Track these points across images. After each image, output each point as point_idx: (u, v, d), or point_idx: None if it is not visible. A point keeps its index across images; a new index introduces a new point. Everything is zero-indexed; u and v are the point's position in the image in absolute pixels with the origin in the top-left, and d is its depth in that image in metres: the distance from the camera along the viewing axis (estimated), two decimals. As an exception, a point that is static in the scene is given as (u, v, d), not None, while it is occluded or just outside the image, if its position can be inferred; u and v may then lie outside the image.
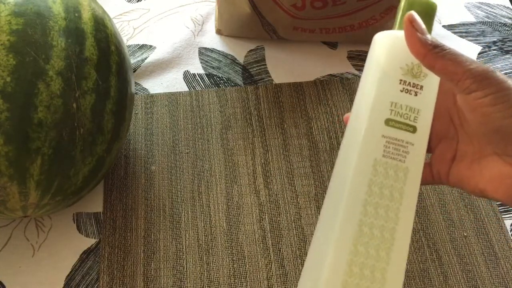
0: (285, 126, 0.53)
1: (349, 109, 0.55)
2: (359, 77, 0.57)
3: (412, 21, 0.28)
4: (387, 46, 0.30)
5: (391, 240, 0.27)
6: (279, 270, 0.44)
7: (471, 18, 0.64)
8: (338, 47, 0.60)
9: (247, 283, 0.43)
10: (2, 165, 0.34)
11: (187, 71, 0.57)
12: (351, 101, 0.55)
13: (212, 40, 0.60)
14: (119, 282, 0.43)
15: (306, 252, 0.45)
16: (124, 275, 0.43)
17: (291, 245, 0.45)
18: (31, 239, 0.45)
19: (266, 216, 0.47)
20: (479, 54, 0.60)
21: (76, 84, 0.37)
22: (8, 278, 0.43)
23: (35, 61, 0.35)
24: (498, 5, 0.65)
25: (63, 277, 0.43)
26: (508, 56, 0.60)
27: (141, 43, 0.59)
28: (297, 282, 0.43)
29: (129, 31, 0.60)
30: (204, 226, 0.46)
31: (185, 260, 0.44)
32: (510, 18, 0.64)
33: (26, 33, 0.35)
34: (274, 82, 0.57)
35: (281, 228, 0.46)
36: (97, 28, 0.40)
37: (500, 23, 0.63)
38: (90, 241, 0.45)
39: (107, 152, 0.40)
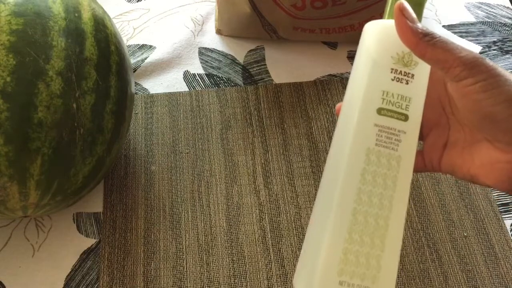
0: (285, 126, 0.53)
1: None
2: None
3: (402, 9, 0.28)
4: (377, 35, 0.30)
5: (385, 227, 0.28)
6: (279, 270, 0.44)
7: (471, 18, 0.64)
8: (338, 47, 0.60)
9: (247, 283, 0.43)
10: (2, 165, 0.34)
11: (187, 71, 0.57)
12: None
13: (212, 40, 0.60)
14: (119, 282, 0.43)
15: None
16: (124, 275, 0.43)
17: (291, 245, 0.45)
18: (31, 239, 0.45)
19: (266, 216, 0.47)
20: (479, 54, 0.60)
21: (76, 84, 0.37)
22: (8, 278, 0.43)
23: (35, 61, 0.35)
24: (498, 5, 0.65)
25: (63, 277, 0.43)
26: (508, 56, 0.60)
27: (141, 43, 0.59)
28: (297, 282, 0.43)
29: (129, 31, 0.60)
30: (204, 226, 0.46)
31: (185, 260, 0.44)
32: (510, 18, 0.64)
33: (26, 33, 0.35)
34: (274, 82, 0.57)
35: (281, 228, 0.46)
36: (97, 28, 0.40)
37: (500, 23, 0.63)
38: (90, 241, 0.45)
39: (107, 152, 0.40)
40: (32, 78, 0.34)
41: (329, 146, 0.51)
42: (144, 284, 0.43)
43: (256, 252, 0.45)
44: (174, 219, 0.46)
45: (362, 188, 0.28)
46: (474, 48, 0.61)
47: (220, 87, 0.56)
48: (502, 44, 0.61)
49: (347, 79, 0.57)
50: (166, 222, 0.46)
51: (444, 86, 0.32)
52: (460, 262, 0.45)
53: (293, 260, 0.45)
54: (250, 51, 0.59)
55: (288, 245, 0.45)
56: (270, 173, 0.49)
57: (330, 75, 0.58)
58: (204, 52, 0.59)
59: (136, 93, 0.55)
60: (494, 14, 0.64)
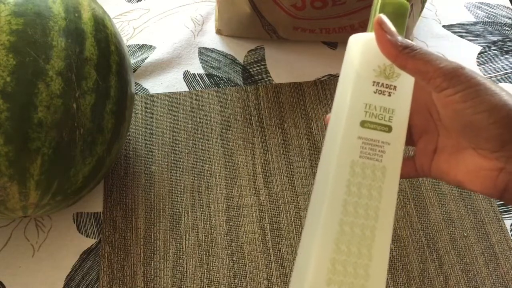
0: (285, 126, 0.53)
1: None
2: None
3: (380, 23, 0.29)
4: (360, 48, 0.31)
5: (372, 237, 0.28)
6: (279, 270, 0.44)
7: (471, 18, 0.64)
8: (338, 47, 0.60)
9: (247, 283, 0.43)
10: (2, 165, 0.34)
11: (187, 71, 0.57)
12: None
13: (212, 40, 0.60)
14: (119, 282, 0.43)
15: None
16: (124, 275, 0.43)
17: (291, 245, 0.45)
18: (31, 239, 0.45)
19: (266, 216, 0.47)
20: (479, 54, 0.60)
21: (76, 84, 0.37)
22: (8, 278, 0.43)
23: (35, 61, 0.35)
24: (498, 5, 0.65)
25: (63, 277, 0.43)
26: (508, 56, 0.60)
27: (141, 43, 0.59)
28: (297, 282, 0.44)
29: (129, 31, 0.60)
30: (204, 226, 0.46)
31: (185, 260, 0.44)
32: (510, 18, 0.64)
33: (26, 33, 0.35)
34: (274, 82, 0.57)
35: (281, 228, 0.46)
36: (97, 28, 0.40)
37: (500, 23, 0.63)
38: (90, 241, 0.45)
39: (107, 152, 0.40)
40: (32, 78, 0.34)
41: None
42: (144, 284, 0.43)
43: (256, 252, 0.45)
44: (174, 219, 0.46)
45: (347, 199, 0.29)
46: (474, 48, 0.61)
47: (220, 87, 0.56)
48: (502, 44, 0.61)
49: (347, 79, 0.57)
50: (166, 222, 0.46)
51: (430, 94, 0.32)
52: (460, 262, 0.45)
53: (293, 260, 0.45)
54: (250, 51, 0.59)
55: (288, 245, 0.45)
56: (270, 173, 0.49)
57: (330, 75, 0.58)
58: (204, 52, 0.59)
59: (136, 93, 0.55)
60: (494, 14, 0.64)
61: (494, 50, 0.61)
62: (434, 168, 0.33)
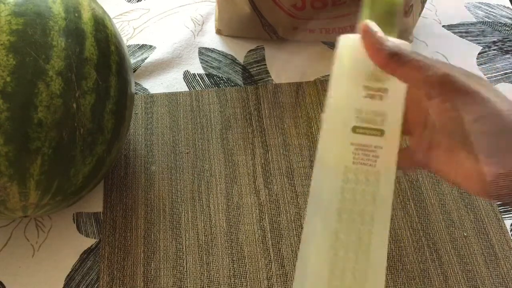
0: (285, 126, 0.53)
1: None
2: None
3: (367, 31, 0.29)
4: (349, 51, 0.31)
5: (368, 241, 0.28)
6: (279, 270, 0.44)
7: (471, 18, 0.64)
8: (338, 47, 0.60)
9: (247, 283, 0.43)
10: (2, 165, 0.34)
11: (187, 71, 0.57)
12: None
13: (212, 40, 0.60)
14: (119, 282, 0.43)
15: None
16: (124, 275, 0.43)
17: (291, 245, 0.45)
18: (31, 239, 0.45)
19: (266, 216, 0.47)
20: (479, 54, 0.60)
21: (76, 84, 0.37)
22: (8, 278, 0.43)
23: (35, 61, 0.35)
24: (498, 5, 0.65)
25: (63, 277, 0.43)
26: (508, 56, 0.60)
27: (141, 43, 0.59)
28: (297, 282, 0.44)
29: (129, 31, 0.60)
30: (204, 226, 0.46)
31: (185, 260, 0.44)
32: (510, 18, 0.64)
33: (26, 33, 0.35)
34: (274, 82, 0.57)
35: (281, 228, 0.46)
36: (97, 28, 0.40)
37: (500, 23, 0.63)
38: (90, 241, 0.45)
39: (107, 152, 0.40)
40: (32, 78, 0.34)
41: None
42: (144, 284, 0.43)
43: (256, 252, 0.45)
44: (174, 219, 0.46)
45: (342, 207, 0.28)
46: (474, 48, 0.61)
47: (220, 87, 0.56)
48: (502, 44, 0.61)
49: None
50: (166, 222, 0.46)
51: None
52: (460, 262, 0.45)
53: (293, 260, 0.45)
54: (250, 51, 0.59)
55: (288, 245, 0.45)
56: (270, 173, 0.49)
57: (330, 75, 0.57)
58: (204, 52, 0.59)
59: (136, 93, 0.55)
60: (494, 14, 0.64)
61: (494, 50, 0.61)
62: (432, 165, 0.32)
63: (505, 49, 0.61)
